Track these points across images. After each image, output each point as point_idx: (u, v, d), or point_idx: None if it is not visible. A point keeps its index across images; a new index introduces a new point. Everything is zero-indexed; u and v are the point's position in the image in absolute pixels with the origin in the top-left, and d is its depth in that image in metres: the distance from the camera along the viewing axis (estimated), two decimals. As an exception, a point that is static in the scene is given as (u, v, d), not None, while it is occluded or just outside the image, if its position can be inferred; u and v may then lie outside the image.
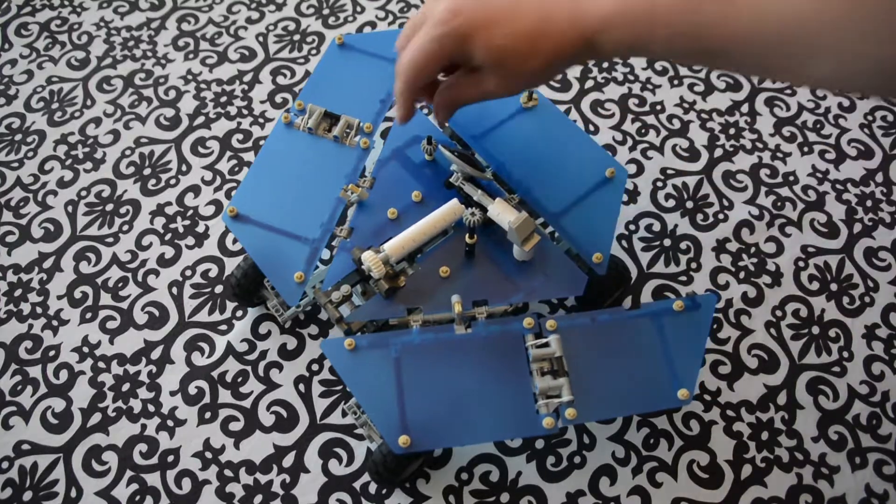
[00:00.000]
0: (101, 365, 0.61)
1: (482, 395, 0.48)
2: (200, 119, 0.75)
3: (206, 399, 0.59)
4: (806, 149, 0.73)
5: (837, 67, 0.34)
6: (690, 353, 0.49)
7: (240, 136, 0.74)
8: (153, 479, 0.56)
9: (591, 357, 0.48)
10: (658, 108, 0.75)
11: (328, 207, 0.54)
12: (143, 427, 0.58)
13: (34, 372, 0.61)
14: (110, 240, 0.68)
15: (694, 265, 0.65)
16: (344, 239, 0.53)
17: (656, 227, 0.68)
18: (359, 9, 0.83)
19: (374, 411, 0.47)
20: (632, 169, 0.71)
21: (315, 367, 0.61)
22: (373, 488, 0.55)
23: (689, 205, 0.69)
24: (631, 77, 0.77)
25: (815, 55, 0.34)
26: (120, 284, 0.65)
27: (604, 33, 0.39)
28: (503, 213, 0.50)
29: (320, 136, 0.58)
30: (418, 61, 0.44)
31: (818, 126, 0.74)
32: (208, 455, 0.57)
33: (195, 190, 0.71)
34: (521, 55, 0.41)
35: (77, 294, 0.65)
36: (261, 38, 0.81)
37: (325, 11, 0.83)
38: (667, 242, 0.67)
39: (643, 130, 0.74)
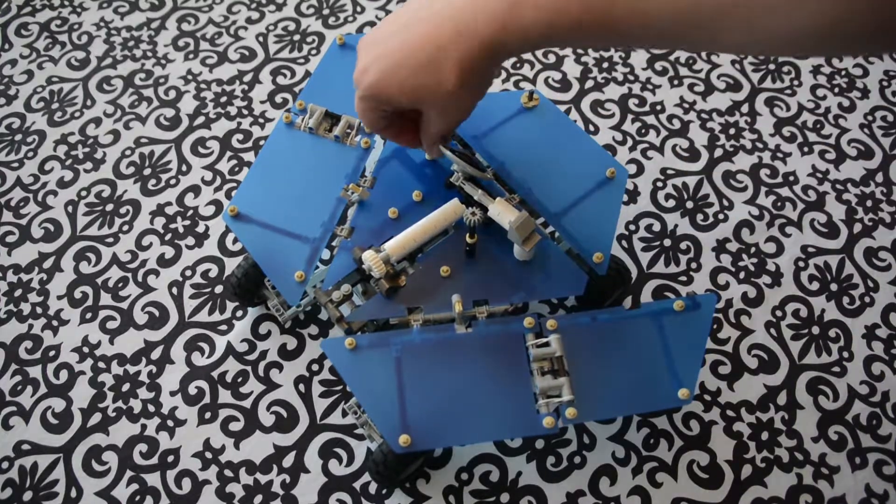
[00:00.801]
0: (101, 365, 0.61)
1: (483, 395, 0.48)
2: (200, 119, 0.75)
3: (206, 399, 0.59)
4: (806, 149, 0.73)
5: (748, 37, 0.34)
6: (691, 352, 0.49)
7: (240, 137, 0.74)
8: (153, 480, 0.56)
9: (591, 357, 0.48)
10: (658, 108, 0.75)
11: (329, 207, 0.54)
12: (143, 427, 0.58)
13: (34, 372, 0.61)
14: (110, 240, 0.68)
15: (694, 265, 0.65)
16: (345, 238, 0.53)
17: (656, 227, 0.68)
18: (359, 9, 0.83)
19: (375, 411, 0.47)
20: (632, 169, 0.71)
21: (315, 367, 0.61)
22: (373, 488, 0.55)
23: (689, 205, 0.69)
24: (631, 77, 0.77)
25: (727, 27, 0.34)
26: (120, 284, 0.65)
27: (502, 41, 0.39)
28: (503, 212, 0.50)
29: (321, 136, 0.58)
30: (362, 118, 0.47)
31: (818, 126, 0.74)
32: (208, 455, 0.57)
33: (195, 190, 0.71)
34: (435, 84, 0.42)
35: (77, 294, 0.65)
36: (261, 38, 0.81)
37: (325, 11, 0.83)
38: (667, 242, 0.67)
39: (643, 130, 0.74)
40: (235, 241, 0.67)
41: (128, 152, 0.73)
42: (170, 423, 0.59)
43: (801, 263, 0.66)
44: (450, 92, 0.42)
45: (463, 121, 0.47)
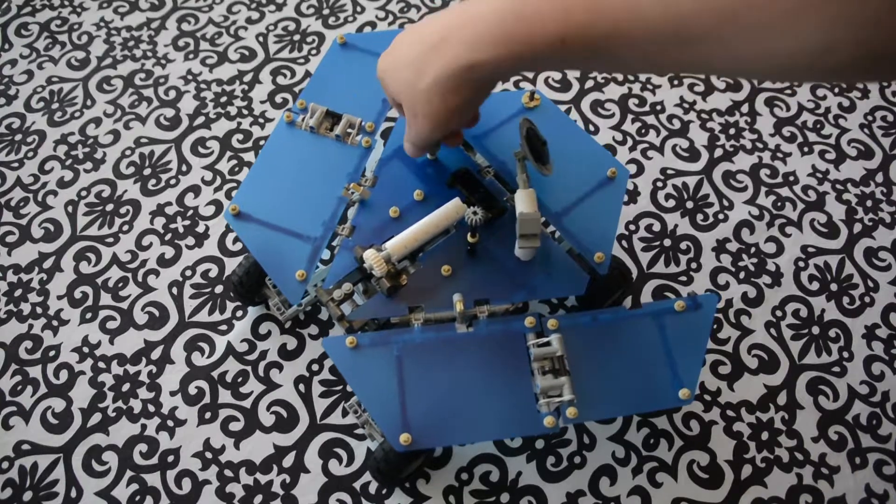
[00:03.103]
0: (101, 365, 0.61)
1: (483, 394, 0.48)
2: (200, 119, 0.75)
3: (206, 399, 0.59)
4: (806, 149, 0.73)
5: (740, 59, 0.33)
6: (692, 352, 0.49)
7: (240, 137, 0.74)
8: (153, 480, 0.56)
9: (592, 356, 0.48)
10: (658, 108, 0.75)
11: (330, 206, 0.54)
12: (143, 427, 0.58)
13: (34, 372, 0.61)
14: (110, 240, 0.68)
15: (694, 265, 0.65)
16: (346, 237, 0.53)
17: (656, 227, 0.68)
18: (359, 9, 0.83)
19: (376, 409, 0.47)
20: (632, 169, 0.71)
21: (315, 367, 0.60)
22: (373, 488, 0.55)
23: (689, 205, 0.69)
24: (631, 77, 0.77)
25: (725, 45, 0.32)
26: (120, 284, 0.65)
27: (475, 60, 0.40)
28: (524, 201, 0.50)
29: (322, 135, 0.58)
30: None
31: (818, 126, 0.74)
32: (208, 455, 0.57)
33: (195, 190, 0.70)
34: (414, 79, 0.43)
35: (77, 294, 0.65)
36: (261, 38, 0.81)
37: (325, 11, 0.83)
38: (667, 242, 0.67)
39: (643, 130, 0.74)
40: (235, 241, 0.67)
41: (128, 152, 0.73)
42: (170, 423, 0.59)
43: (801, 263, 0.66)
44: (417, 94, 0.43)
45: (427, 136, 0.47)
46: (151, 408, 0.59)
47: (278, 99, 0.76)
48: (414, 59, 0.42)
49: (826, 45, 0.29)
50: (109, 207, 0.70)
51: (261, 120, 0.75)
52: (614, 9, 0.34)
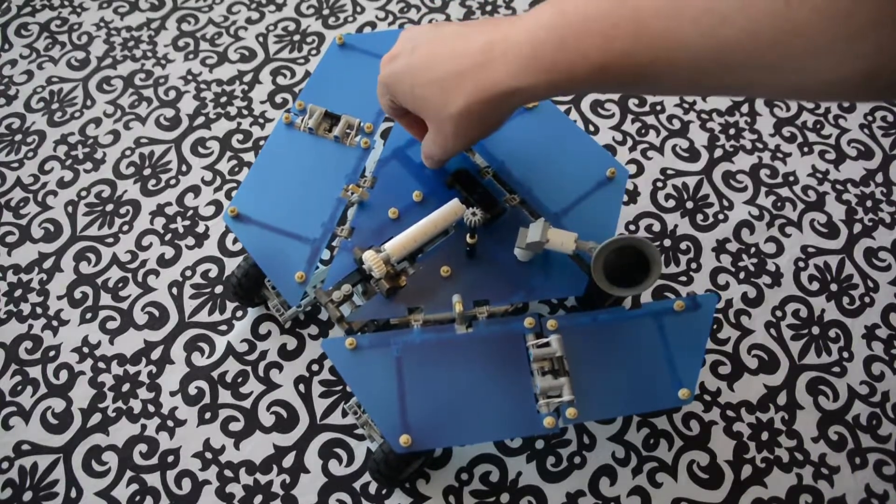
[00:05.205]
0: (101, 365, 0.61)
1: (483, 395, 0.48)
2: (200, 119, 0.75)
3: (206, 399, 0.59)
4: (806, 149, 0.73)
5: (784, 84, 0.32)
6: (691, 352, 0.49)
7: (240, 137, 0.74)
8: (153, 480, 0.56)
9: (591, 357, 0.48)
10: (658, 108, 0.75)
11: (329, 207, 0.54)
12: (143, 427, 0.58)
13: (34, 372, 0.61)
14: (110, 240, 0.68)
15: (694, 265, 0.65)
16: (345, 239, 0.53)
17: (656, 227, 0.68)
18: (359, 9, 0.83)
19: (375, 410, 0.47)
20: (632, 169, 0.71)
21: (315, 367, 0.61)
22: (373, 488, 0.55)
23: (689, 205, 0.69)
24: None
25: (769, 71, 0.32)
26: (120, 285, 0.65)
27: (515, 87, 0.40)
28: (558, 236, 0.49)
29: (321, 137, 0.58)
30: (379, 99, 0.49)
31: (818, 126, 0.74)
32: (208, 455, 0.57)
33: (195, 190, 0.71)
34: (440, 102, 0.43)
35: (77, 294, 0.65)
36: (261, 39, 0.81)
37: (325, 11, 0.83)
38: (667, 242, 0.67)
39: (643, 130, 0.74)
40: (235, 241, 0.67)
41: (128, 152, 0.73)
42: (170, 423, 0.59)
43: (801, 263, 0.66)
44: (449, 116, 0.42)
45: (453, 152, 0.47)
46: (151, 408, 0.59)
47: (278, 99, 0.76)
48: (443, 77, 0.42)
49: (871, 70, 0.29)
50: (109, 207, 0.70)
51: (261, 120, 0.75)
52: (655, 37, 0.34)
